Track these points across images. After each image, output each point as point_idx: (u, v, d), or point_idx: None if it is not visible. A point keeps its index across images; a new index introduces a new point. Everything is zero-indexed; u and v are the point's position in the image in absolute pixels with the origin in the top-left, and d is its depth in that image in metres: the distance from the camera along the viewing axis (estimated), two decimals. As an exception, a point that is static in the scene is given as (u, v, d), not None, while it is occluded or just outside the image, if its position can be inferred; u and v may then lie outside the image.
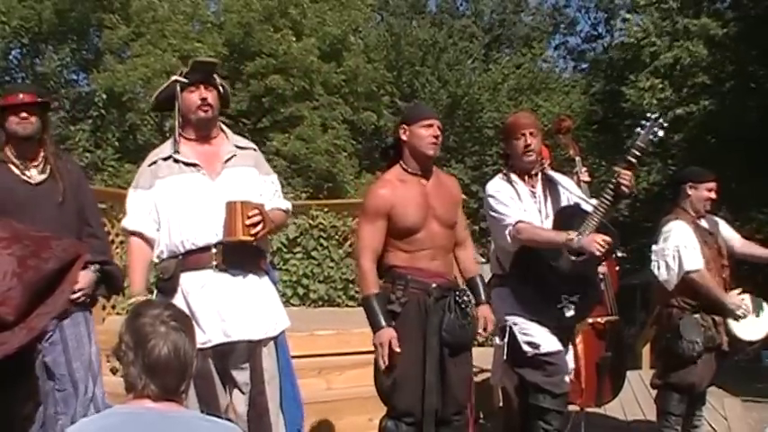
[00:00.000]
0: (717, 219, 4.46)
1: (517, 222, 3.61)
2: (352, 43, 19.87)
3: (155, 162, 3.12)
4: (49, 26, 20.92)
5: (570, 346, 3.95)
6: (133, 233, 3.09)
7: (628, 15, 15.85)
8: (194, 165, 3.06)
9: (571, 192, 3.83)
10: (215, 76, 3.17)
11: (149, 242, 3.08)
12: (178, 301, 2.92)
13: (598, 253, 3.49)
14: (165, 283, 3.02)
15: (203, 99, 3.07)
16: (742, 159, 13.19)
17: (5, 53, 21.12)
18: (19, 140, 3.23)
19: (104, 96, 19.06)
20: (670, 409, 4.27)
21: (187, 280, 2.98)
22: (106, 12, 20.22)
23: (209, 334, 2.91)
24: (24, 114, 3.22)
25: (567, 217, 3.67)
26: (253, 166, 3.17)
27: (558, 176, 3.90)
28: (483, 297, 3.51)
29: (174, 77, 3.14)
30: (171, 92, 3.14)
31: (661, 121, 3.73)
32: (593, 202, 3.73)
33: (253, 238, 2.93)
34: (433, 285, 3.30)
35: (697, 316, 4.17)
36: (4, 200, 3.16)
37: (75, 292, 3.05)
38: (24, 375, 3.00)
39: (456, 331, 3.28)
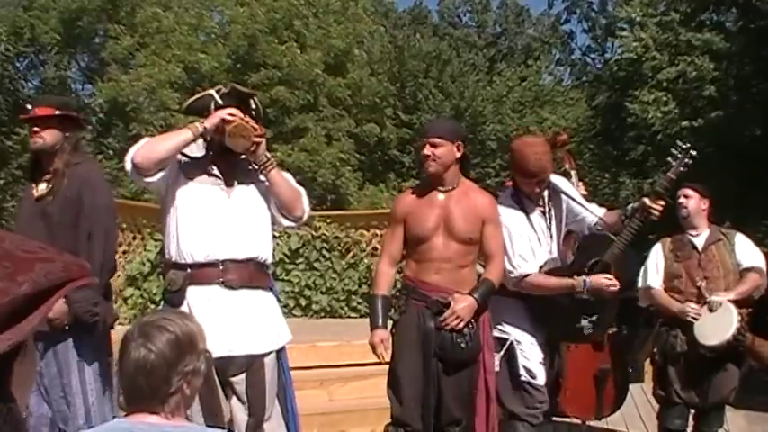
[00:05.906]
0: (737, 235, 4.35)
1: (524, 276, 3.56)
2: (356, 56, 19.92)
3: (191, 158, 3.09)
4: (53, 36, 21.03)
5: (558, 358, 3.91)
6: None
7: (624, 33, 15.73)
8: (216, 176, 3.08)
9: (571, 197, 3.81)
10: (251, 102, 3.14)
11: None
12: None
13: (611, 292, 3.52)
14: (173, 295, 3.03)
15: None
16: (746, 171, 13.17)
17: (9, 61, 21.21)
18: (33, 153, 3.26)
19: (103, 103, 19.09)
20: (666, 424, 4.27)
21: (194, 294, 2.99)
22: (111, 22, 20.34)
23: (210, 347, 2.90)
24: (36, 129, 3.19)
25: (588, 249, 3.68)
26: (262, 181, 3.17)
27: (557, 180, 3.87)
28: (476, 294, 3.31)
29: (210, 92, 3.13)
30: (205, 104, 3.11)
31: (692, 152, 3.73)
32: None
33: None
34: (433, 298, 3.30)
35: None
36: (17, 212, 3.22)
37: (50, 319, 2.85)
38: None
39: (448, 348, 3.26)
